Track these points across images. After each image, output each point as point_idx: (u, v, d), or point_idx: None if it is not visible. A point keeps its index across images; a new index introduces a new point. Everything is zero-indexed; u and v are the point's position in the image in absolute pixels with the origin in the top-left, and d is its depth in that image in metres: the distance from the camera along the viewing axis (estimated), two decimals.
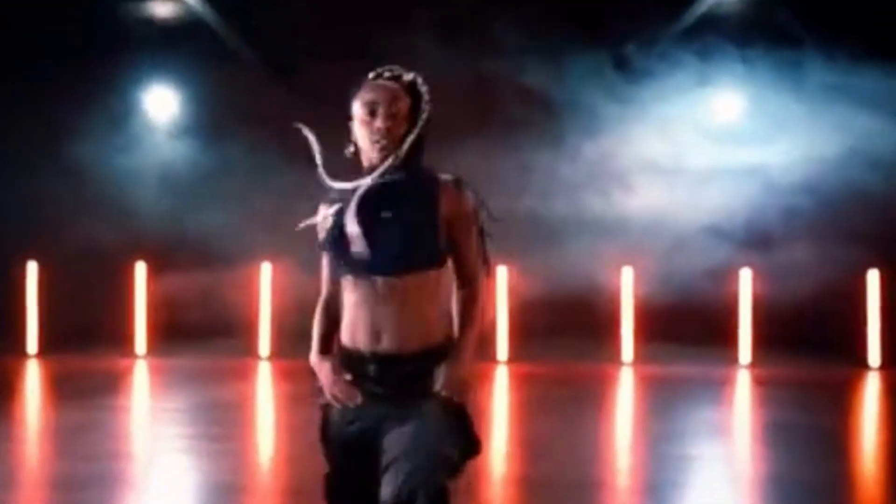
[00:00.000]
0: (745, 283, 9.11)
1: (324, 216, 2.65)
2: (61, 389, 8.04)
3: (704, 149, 9.27)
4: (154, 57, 10.16)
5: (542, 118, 9.00)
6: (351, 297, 2.59)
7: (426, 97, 2.60)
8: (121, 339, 9.44)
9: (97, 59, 9.95)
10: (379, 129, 2.53)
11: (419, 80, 2.62)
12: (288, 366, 8.94)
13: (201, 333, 9.71)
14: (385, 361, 2.54)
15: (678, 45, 8.68)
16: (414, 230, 2.52)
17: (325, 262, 2.72)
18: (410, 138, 2.55)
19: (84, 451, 5.55)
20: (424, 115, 2.58)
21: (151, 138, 10.60)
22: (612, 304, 9.24)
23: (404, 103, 2.56)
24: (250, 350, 9.39)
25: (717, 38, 8.45)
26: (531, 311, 9.16)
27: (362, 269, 2.54)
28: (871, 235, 9.01)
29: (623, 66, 9.09)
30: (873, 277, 8.84)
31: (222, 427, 6.39)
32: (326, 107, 11.47)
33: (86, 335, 9.48)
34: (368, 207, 2.54)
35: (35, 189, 9.99)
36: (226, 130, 10.07)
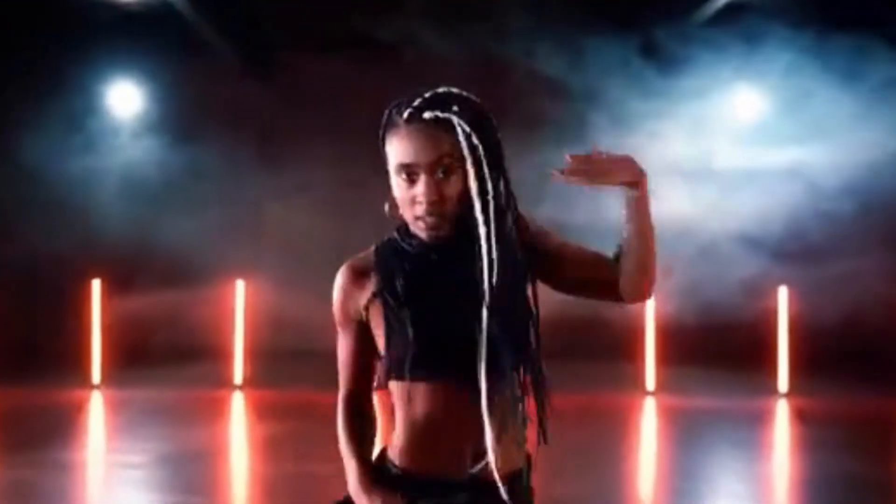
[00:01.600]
0: (783, 301, 8.18)
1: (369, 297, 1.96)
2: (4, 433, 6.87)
3: (740, 148, 8.26)
4: (116, 46, 9.43)
5: (558, 112, 7.94)
6: (421, 406, 1.91)
7: (488, 130, 1.88)
8: (73, 368, 8.37)
9: (51, 47, 9.17)
10: (421, 203, 1.86)
11: (476, 110, 1.88)
12: (264, 396, 8.03)
13: (167, 360, 8.79)
14: (486, 488, 1.91)
15: (716, 29, 7.62)
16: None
17: (345, 343, 2.02)
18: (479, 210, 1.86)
19: None
20: (486, 157, 1.87)
21: (113, 138, 9.82)
22: (634, 325, 8.19)
23: (454, 155, 1.85)
24: (222, 378, 8.32)
25: (762, 21, 7.38)
26: (544, 333, 8.03)
27: (455, 370, 1.89)
28: None
29: (651, 53, 8.02)
30: None
31: (191, 494, 5.28)
32: (308, 103, 10.45)
33: (31, 362, 8.49)
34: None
35: None
36: (196, 130, 9.47)
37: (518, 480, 1.96)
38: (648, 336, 8.22)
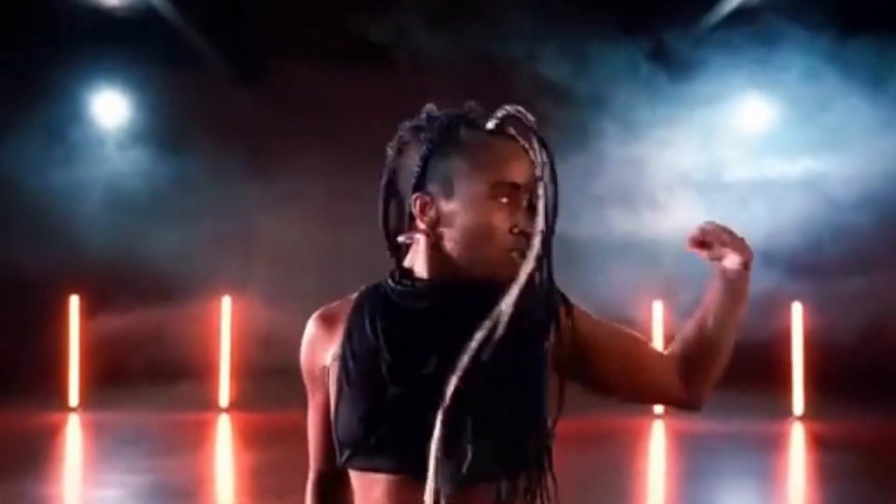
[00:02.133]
0: (797, 318, 7.86)
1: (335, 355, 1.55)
2: None
3: (754, 158, 7.90)
4: (101, 54, 9.09)
5: (562, 119, 7.57)
6: None
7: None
8: (49, 389, 7.96)
9: (33, 54, 8.89)
10: (517, 235, 1.49)
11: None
12: (251, 420, 7.67)
13: (149, 380, 8.38)
14: None
15: (729, 33, 7.28)
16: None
17: (313, 412, 1.61)
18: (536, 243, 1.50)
19: None
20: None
21: (97, 148, 9.49)
22: None
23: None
24: (208, 400, 7.92)
25: (777, 23, 7.03)
26: None
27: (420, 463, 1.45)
28: None
29: (661, 58, 7.66)
30: None
31: None
32: (300, 111, 10.02)
33: (4, 383, 8.02)
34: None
35: None
36: (184, 140, 9.15)
37: None
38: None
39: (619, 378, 1.61)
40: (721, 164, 8.34)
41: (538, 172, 1.49)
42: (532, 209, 1.49)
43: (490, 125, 1.51)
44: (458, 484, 1.42)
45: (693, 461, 6.61)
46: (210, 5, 8.97)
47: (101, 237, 8.82)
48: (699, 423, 7.42)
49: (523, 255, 1.47)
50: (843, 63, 7.11)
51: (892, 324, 7.57)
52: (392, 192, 1.54)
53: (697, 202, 8.54)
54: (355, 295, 1.57)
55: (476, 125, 1.52)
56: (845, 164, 7.84)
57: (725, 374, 6.20)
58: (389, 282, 1.53)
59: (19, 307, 8.42)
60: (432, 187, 1.50)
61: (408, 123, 1.55)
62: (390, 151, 1.56)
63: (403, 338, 1.48)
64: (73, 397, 8.01)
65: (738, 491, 5.87)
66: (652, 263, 8.19)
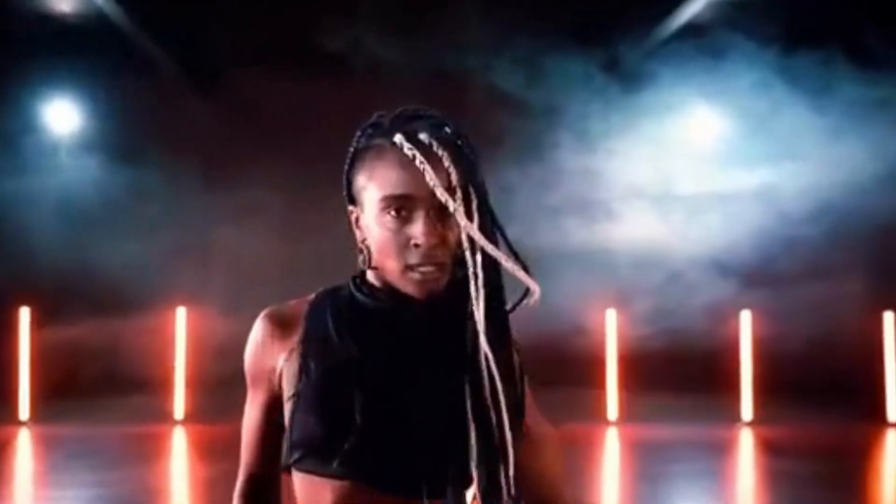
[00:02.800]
0: (746, 326, 8.07)
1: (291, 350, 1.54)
2: None
3: (707, 169, 8.04)
4: (52, 61, 8.97)
5: (517, 129, 7.67)
6: None
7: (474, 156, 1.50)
8: None
9: None
10: (418, 247, 1.44)
11: (469, 140, 1.50)
12: (207, 432, 7.63)
13: (102, 393, 8.32)
14: None
15: (680, 45, 7.43)
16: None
17: (252, 412, 1.62)
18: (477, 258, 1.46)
19: None
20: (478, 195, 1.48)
21: (48, 158, 9.37)
22: (597, 352, 7.95)
23: (452, 190, 1.45)
24: (162, 412, 7.88)
25: (726, 37, 7.20)
26: None
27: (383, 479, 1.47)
28: (889, 272, 8.06)
29: (614, 69, 7.80)
30: (889, 320, 7.91)
31: None
32: (256, 121, 10.00)
33: None
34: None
35: None
36: (138, 150, 9.06)
37: None
38: (610, 363, 7.98)
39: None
40: (674, 174, 8.49)
41: (448, 180, 1.43)
42: (444, 218, 1.44)
43: (396, 137, 1.46)
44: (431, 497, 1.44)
45: (645, 466, 6.73)
46: (164, 14, 8.94)
47: (53, 247, 8.71)
48: (652, 430, 7.58)
49: (434, 264, 1.44)
50: (791, 74, 7.30)
51: (842, 332, 7.74)
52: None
53: (651, 213, 8.69)
54: (311, 296, 1.56)
55: (385, 135, 1.48)
56: (796, 173, 8.03)
57: (680, 381, 6.36)
58: (352, 287, 1.52)
59: None
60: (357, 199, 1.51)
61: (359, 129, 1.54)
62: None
63: (370, 345, 1.48)
64: (24, 411, 7.92)
65: (689, 492, 5.98)
66: (606, 272, 8.30)
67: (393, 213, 1.44)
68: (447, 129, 1.47)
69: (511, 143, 7.98)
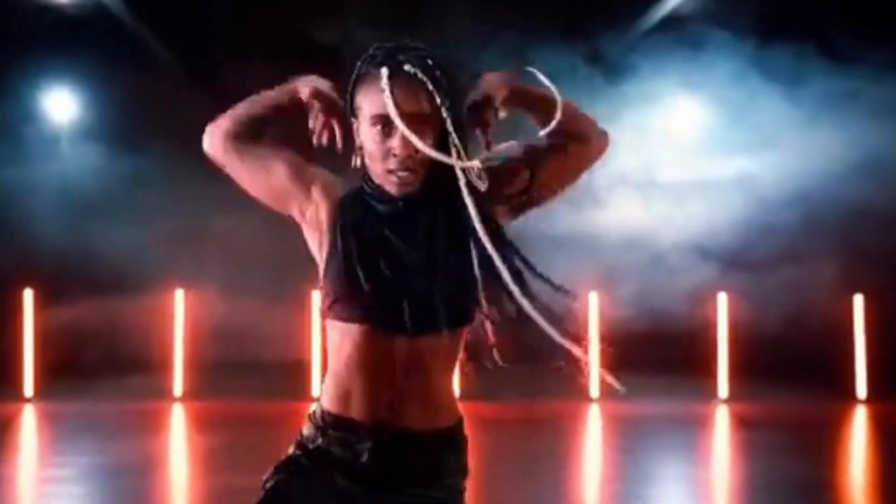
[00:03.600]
0: (722, 307, 8.50)
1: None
2: None
3: (688, 157, 8.41)
4: (52, 52, 9.29)
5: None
6: (349, 348, 1.96)
7: (452, 84, 1.93)
8: (4, 380, 8.25)
9: None
10: (396, 157, 1.89)
11: (451, 71, 1.93)
12: (205, 408, 8.02)
13: (103, 372, 8.68)
14: (394, 439, 1.95)
15: (660, 38, 7.75)
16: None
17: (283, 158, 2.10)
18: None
19: None
20: (449, 114, 1.90)
21: (48, 146, 9.72)
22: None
23: (431, 108, 1.88)
24: (162, 390, 8.24)
25: (704, 30, 7.54)
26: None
27: (389, 321, 1.94)
28: (860, 257, 8.40)
29: (597, 61, 8.13)
30: (858, 303, 8.34)
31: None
32: None
33: None
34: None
35: None
36: (135, 139, 9.35)
37: (440, 439, 1.99)
38: (592, 343, 8.32)
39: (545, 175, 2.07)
40: (656, 162, 8.83)
41: (444, 104, 1.85)
42: (422, 134, 1.83)
43: (386, 67, 1.86)
44: (429, 336, 1.91)
45: (625, 440, 7.10)
46: (162, 6, 9.22)
47: (55, 233, 9.01)
48: (631, 407, 7.94)
49: (408, 170, 1.87)
50: (766, 66, 7.64)
51: (815, 314, 8.12)
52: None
53: (635, 200, 9.02)
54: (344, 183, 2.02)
55: (379, 65, 1.87)
56: (773, 162, 8.38)
57: (660, 361, 6.82)
58: (364, 186, 1.97)
59: None
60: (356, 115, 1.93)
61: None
62: None
63: (388, 228, 1.93)
64: (28, 388, 8.29)
65: (667, 462, 6.35)
66: (592, 256, 8.64)
67: (379, 128, 1.87)
68: (429, 61, 1.87)
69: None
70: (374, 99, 1.86)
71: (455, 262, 1.91)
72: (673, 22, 8.18)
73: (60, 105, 9.82)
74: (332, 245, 1.96)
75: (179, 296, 8.59)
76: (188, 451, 7.10)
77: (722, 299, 8.40)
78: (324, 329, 2.03)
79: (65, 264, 8.75)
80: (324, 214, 2.00)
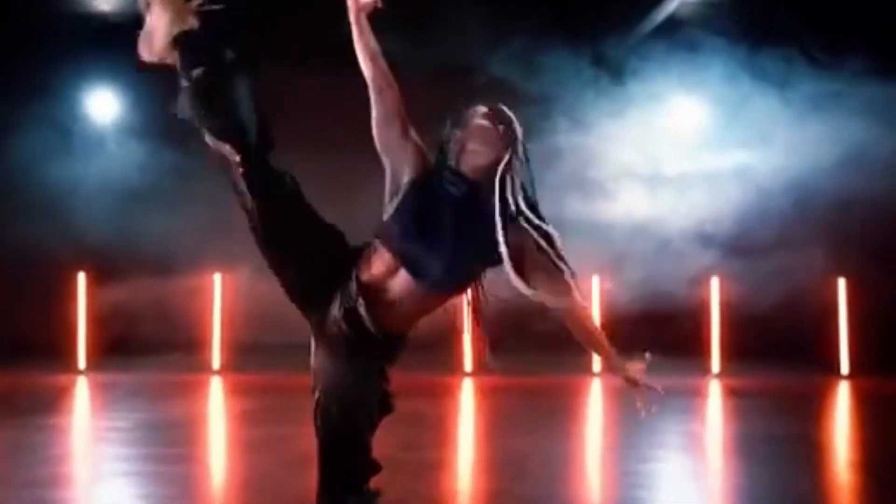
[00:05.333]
0: (715, 289, 9.43)
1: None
2: None
3: (690, 152, 9.23)
4: (98, 56, 10.09)
5: (516, 114, 8.82)
6: (377, 267, 3.07)
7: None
8: (61, 355, 9.31)
9: (36, 57, 9.95)
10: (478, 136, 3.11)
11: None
12: (241, 380, 8.97)
13: (148, 347, 9.70)
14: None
15: (659, 41, 8.57)
16: None
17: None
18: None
19: (17, 478, 5.23)
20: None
21: (96, 142, 10.67)
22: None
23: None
24: (201, 364, 9.24)
25: (704, 34, 8.35)
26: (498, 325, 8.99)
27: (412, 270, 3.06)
28: (845, 243, 9.22)
29: (601, 63, 8.95)
30: (842, 285, 9.26)
31: (171, 447, 6.13)
32: (285, 113, 11.32)
33: (22, 350, 9.35)
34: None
35: None
36: (174, 136, 9.91)
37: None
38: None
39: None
40: (661, 156, 9.62)
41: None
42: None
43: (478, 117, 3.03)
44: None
45: (623, 417, 7.79)
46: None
47: (104, 222, 9.87)
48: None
49: (484, 148, 3.02)
50: (757, 69, 8.42)
51: (804, 295, 8.94)
52: None
53: (642, 191, 9.79)
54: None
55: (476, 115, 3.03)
56: (767, 156, 9.15)
57: (662, 341, 7.80)
58: (444, 169, 3.02)
59: (33, 284, 9.67)
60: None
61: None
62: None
63: (445, 199, 2.98)
64: (81, 362, 9.31)
65: (664, 425, 6.92)
66: (601, 243, 9.42)
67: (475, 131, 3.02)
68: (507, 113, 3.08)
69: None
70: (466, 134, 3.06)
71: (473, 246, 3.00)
72: (671, 27, 8.98)
73: (104, 105, 10.72)
74: (405, 194, 3.03)
75: (217, 279, 9.55)
76: (226, 412, 8.08)
77: (715, 282, 9.27)
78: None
79: (113, 250, 9.70)
80: (409, 165, 3.04)
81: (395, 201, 3.02)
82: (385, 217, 3.04)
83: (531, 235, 2.99)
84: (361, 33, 3.14)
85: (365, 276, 3.04)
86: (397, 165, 3.06)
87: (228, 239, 10.49)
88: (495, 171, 2.97)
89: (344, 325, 3.03)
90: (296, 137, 10.47)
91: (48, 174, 9.74)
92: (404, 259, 2.97)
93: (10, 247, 9.54)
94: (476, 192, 2.98)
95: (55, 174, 9.81)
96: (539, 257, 3.00)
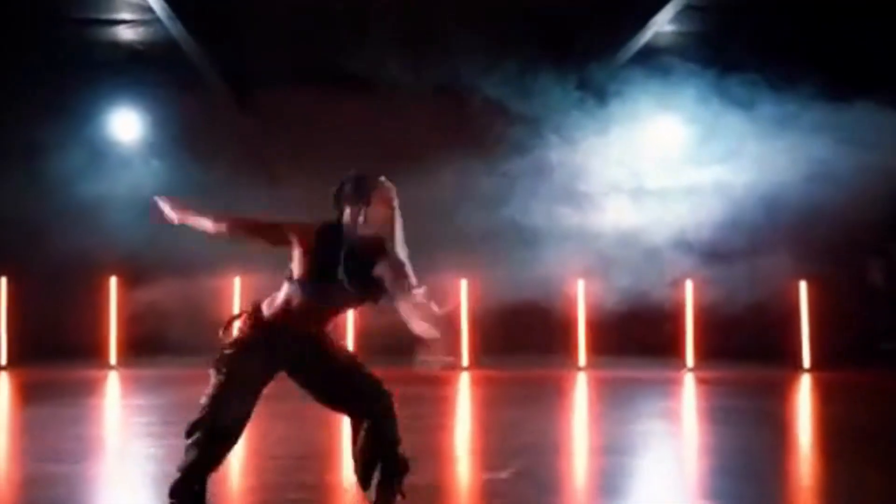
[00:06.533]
0: (690, 294, 10.61)
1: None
2: (32, 395, 8.84)
3: (661, 169, 10.24)
4: (125, 82, 11.41)
5: (511, 134, 9.92)
6: (299, 307, 4.14)
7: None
8: (94, 352, 10.45)
9: (70, 83, 11.18)
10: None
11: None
12: None
13: (174, 345, 10.80)
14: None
15: (640, 67, 9.63)
16: None
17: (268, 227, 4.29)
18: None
19: (47, 450, 6.17)
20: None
21: (123, 160, 11.82)
22: (570, 314, 10.57)
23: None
24: None
25: (678, 61, 9.41)
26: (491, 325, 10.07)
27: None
28: (807, 249, 10.27)
29: (586, 86, 10.00)
30: (803, 288, 10.43)
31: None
32: (288, 132, 12.42)
33: (58, 348, 10.51)
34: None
35: (8, 204, 10.77)
36: (195, 153, 11.28)
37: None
38: (580, 323, 10.50)
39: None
40: (643, 171, 10.60)
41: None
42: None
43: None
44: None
45: (609, 398, 8.97)
46: (213, 41, 11.00)
47: (132, 233, 10.65)
48: (615, 372, 9.86)
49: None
50: (725, 92, 9.44)
51: (771, 297, 10.01)
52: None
53: (627, 203, 10.76)
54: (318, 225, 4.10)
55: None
56: (739, 171, 10.13)
57: (643, 340, 9.22)
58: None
59: (70, 288, 10.76)
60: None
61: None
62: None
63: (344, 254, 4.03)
64: (113, 358, 10.36)
65: (644, 408, 8.09)
66: (588, 250, 10.42)
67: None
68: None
69: (505, 143, 10.20)
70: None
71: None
72: (648, 54, 10.05)
73: (132, 126, 11.85)
74: (314, 255, 4.04)
75: (237, 282, 10.60)
76: None
77: (689, 285, 10.33)
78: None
79: (142, 257, 10.69)
80: (304, 244, 4.05)
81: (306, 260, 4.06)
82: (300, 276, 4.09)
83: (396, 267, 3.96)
84: (202, 228, 4.52)
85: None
86: (294, 249, 4.12)
87: (244, 249, 11.54)
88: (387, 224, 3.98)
89: None
90: (289, 151, 11.57)
91: (83, 188, 10.78)
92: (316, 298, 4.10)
93: (49, 254, 10.53)
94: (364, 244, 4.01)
95: (90, 188, 10.85)
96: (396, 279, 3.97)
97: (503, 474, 5.15)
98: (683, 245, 10.62)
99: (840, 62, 9.41)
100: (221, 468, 4.21)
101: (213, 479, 4.18)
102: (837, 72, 8.89)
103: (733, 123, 9.70)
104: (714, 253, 10.42)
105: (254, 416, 4.15)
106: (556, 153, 10.11)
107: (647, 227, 10.56)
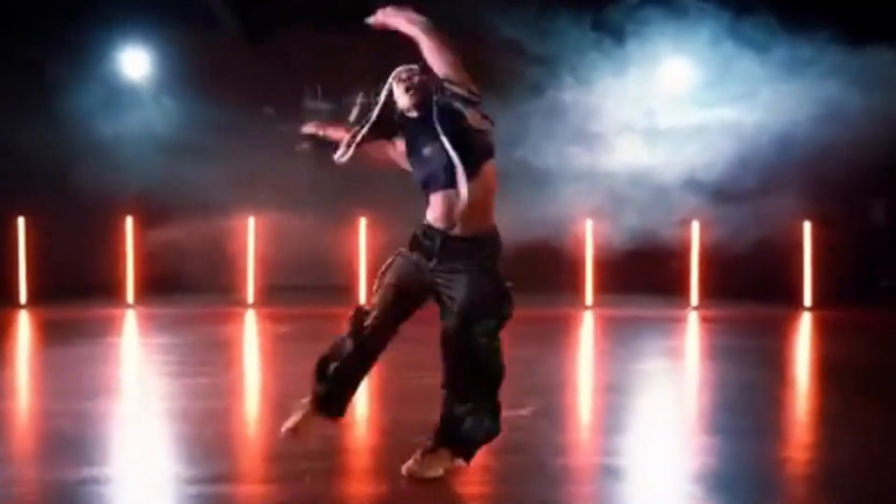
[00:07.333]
0: (696, 234, 10.91)
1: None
2: (51, 334, 9.13)
3: (673, 109, 10.43)
4: (140, 21, 11.39)
5: (527, 74, 10.07)
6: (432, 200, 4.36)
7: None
8: (111, 290, 10.75)
9: (84, 24, 11.11)
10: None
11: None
12: (272, 312, 10.43)
13: (190, 284, 11.21)
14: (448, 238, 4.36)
15: (657, 7, 9.76)
16: None
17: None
18: None
19: (79, 380, 6.51)
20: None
21: (137, 99, 11.86)
22: (577, 253, 10.96)
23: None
24: (238, 299, 10.69)
25: (691, 3, 9.54)
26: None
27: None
28: (813, 191, 10.52)
29: (602, 27, 10.11)
30: (807, 228, 10.78)
31: (209, 363, 7.30)
32: (302, 72, 12.50)
33: (76, 286, 10.79)
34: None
35: (24, 144, 10.84)
36: (207, 92, 11.27)
37: (468, 240, 4.21)
38: (588, 261, 10.86)
39: None
40: (656, 111, 10.79)
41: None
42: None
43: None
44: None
45: (615, 337, 9.29)
46: None
47: (146, 171, 11.00)
48: (621, 311, 10.21)
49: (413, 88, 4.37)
50: (739, 35, 9.60)
51: (777, 237, 10.35)
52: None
53: (639, 143, 10.97)
54: None
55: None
56: (749, 111, 10.32)
57: (650, 278, 9.64)
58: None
59: (88, 228, 10.88)
60: None
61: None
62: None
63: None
64: (130, 296, 10.65)
65: (649, 347, 8.42)
66: (600, 190, 10.67)
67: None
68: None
69: (521, 83, 10.35)
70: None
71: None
72: None
73: (139, 64, 11.86)
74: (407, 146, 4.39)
75: (251, 222, 10.80)
76: (257, 334, 9.43)
77: (696, 226, 10.64)
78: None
79: (157, 196, 10.87)
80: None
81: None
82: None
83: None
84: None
85: None
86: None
87: (260, 186, 11.77)
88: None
89: None
90: (301, 92, 11.65)
91: (99, 127, 10.88)
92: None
93: (66, 194, 10.68)
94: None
95: (105, 127, 10.95)
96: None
97: (523, 411, 5.38)
98: (692, 184, 10.86)
99: (855, 6, 9.56)
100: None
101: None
102: (852, 16, 9.06)
103: (746, 65, 9.88)
104: (721, 192, 10.66)
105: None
106: (570, 93, 10.28)
107: (657, 168, 10.78)
